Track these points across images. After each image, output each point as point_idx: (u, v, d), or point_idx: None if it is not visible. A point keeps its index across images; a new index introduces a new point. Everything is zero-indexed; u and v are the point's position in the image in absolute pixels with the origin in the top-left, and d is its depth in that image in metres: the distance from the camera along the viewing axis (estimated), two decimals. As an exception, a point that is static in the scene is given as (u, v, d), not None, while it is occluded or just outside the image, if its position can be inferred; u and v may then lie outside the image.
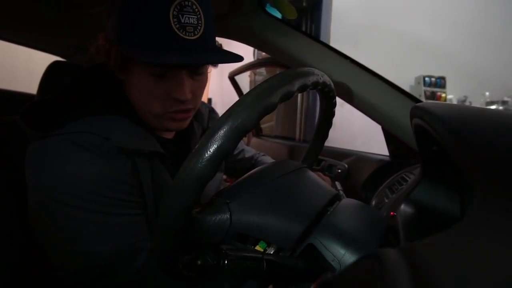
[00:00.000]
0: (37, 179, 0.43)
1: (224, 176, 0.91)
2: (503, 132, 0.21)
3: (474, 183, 0.17)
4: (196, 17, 0.42)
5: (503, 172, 0.17)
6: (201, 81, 0.50)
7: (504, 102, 2.95)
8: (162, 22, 0.40)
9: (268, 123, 2.37)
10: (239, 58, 0.46)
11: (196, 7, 0.42)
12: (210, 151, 0.25)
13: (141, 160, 0.47)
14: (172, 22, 0.40)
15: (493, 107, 2.97)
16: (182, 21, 0.41)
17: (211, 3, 0.46)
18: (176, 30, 0.41)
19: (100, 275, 0.43)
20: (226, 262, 0.24)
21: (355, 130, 2.37)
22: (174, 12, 0.40)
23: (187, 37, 0.42)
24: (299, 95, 2.28)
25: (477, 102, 3.07)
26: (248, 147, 0.91)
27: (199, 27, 0.43)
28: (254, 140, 1.64)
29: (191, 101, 0.49)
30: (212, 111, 0.74)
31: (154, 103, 0.47)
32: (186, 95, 0.46)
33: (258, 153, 0.91)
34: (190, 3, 0.41)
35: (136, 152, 0.46)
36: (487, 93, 3.05)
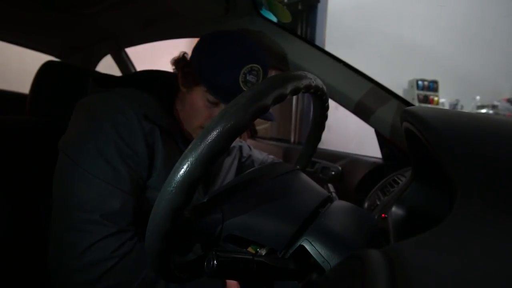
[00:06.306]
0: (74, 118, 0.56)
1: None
2: (486, 136, 0.22)
3: (456, 186, 0.17)
4: (256, 78, 0.57)
5: (484, 176, 0.18)
6: None
7: (494, 106, 3.01)
8: (234, 75, 0.55)
9: (263, 125, 2.38)
10: (273, 118, 0.60)
11: (260, 72, 0.57)
12: (202, 152, 0.25)
13: (161, 135, 0.57)
14: (240, 77, 0.55)
15: (483, 111, 3.03)
16: (247, 78, 0.56)
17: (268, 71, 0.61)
18: (240, 83, 0.56)
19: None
20: (216, 263, 0.24)
21: (349, 133, 2.39)
22: (245, 70, 0.56)
23: (245, 89, 0.56)
24: (294, 98, 2.29)
25: (468, 105, 3.13)
26: (258, 152, 0.91)
27: None
28: (249, 142, 1.64)
29: None
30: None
31: (197, 118, 0.60)
32: None
33: (268, 157, 0.91)
34: (257, 68, 0.57)
35: (156, 123, 0.57)
36: (477, 97, 3.11)
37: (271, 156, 0.93)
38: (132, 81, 0.63)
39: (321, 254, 0.29)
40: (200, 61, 0.58)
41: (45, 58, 0.98)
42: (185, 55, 0.62)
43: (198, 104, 0.59)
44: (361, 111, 0.75)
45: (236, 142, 0.84)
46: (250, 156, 0.86)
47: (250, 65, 0.56)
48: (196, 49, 0.60)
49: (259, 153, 0.91)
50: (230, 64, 0.56)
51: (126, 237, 0.50)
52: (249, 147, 0.90)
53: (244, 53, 0.56)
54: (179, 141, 0.62)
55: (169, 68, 0.67)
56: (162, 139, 0.57)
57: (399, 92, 2.18)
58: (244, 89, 0.55)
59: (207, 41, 0.59)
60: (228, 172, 0.76)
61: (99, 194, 0.49)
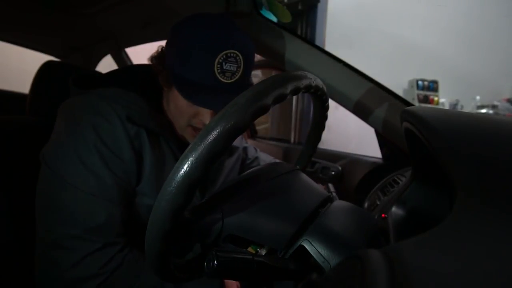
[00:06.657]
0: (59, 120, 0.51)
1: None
2: (486, 136, 0.22)
3: (456, 186, 0.17)
4: (236, 65, 0.49)
5: (484, 176, 0.18)
6: None
7: (494, 106, 3.01)
8: (207, 68, 0.48)
9: (263, 125, 2.38)
10: None
11: (239, 58, 0.49)
12: (202, 152, 0.25)
13: (148, 137, 0.52)
14: (215, 67, 0.48)
15: (483, 111, 3.03)
16: (224, 67, 0.49)
17: (254, 55, 0.54)
18: (217, 74, 0.49)
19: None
20: (216, 263, 0.24)
21: (349, 133, 2.39)
22: (220, 59, 0.48)
23: (224, 80, 0.50)
24: (294, 98, 2.29)
25: (468, 105, 3.13)
26: (264, 154, 0.89)
27: (236, 74, 0.50)
28: (249, 142, 1.64)
29: None
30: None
31: (183, 117, 0.55)
32: (210, 119, 0.51)
33: (275, 160, 0.89)
34: (234, 54, 0.49)
35: (142, 125, 0.52)
36: (477, 97, 3.12)
37: (277, 160, 0.92)
38: (115, 79, 0.57)
39: (321, 254, 0.29)
40: (169, 56, 0.51)
41: (45, 58, 0.98)
42: (163, 49, 0.55)
43: (181, 103, 0.53)
44: (361, 111, 0.75)
45: (242, 144, 0.83)
46: (256, 158, 0.84)
47: (225, 52, 0.48)
48: (167, 43, 0.54)
49: (266, 156, 0.88)
50: (199, 55, 0.48)
51: (115, 251, 0.46)
52: (255, 149, 0.87)
53: (216, 38, 0.48)
54: (170, 141, 0.56)
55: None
56: (150, 141, 0.52)
57: (399, 92, 2.18)
58: (223, 80, 0.49)
59: (174, 31, 0.52)
60: (229, 173, 0.72)
61: (83, 207, 0.45)
